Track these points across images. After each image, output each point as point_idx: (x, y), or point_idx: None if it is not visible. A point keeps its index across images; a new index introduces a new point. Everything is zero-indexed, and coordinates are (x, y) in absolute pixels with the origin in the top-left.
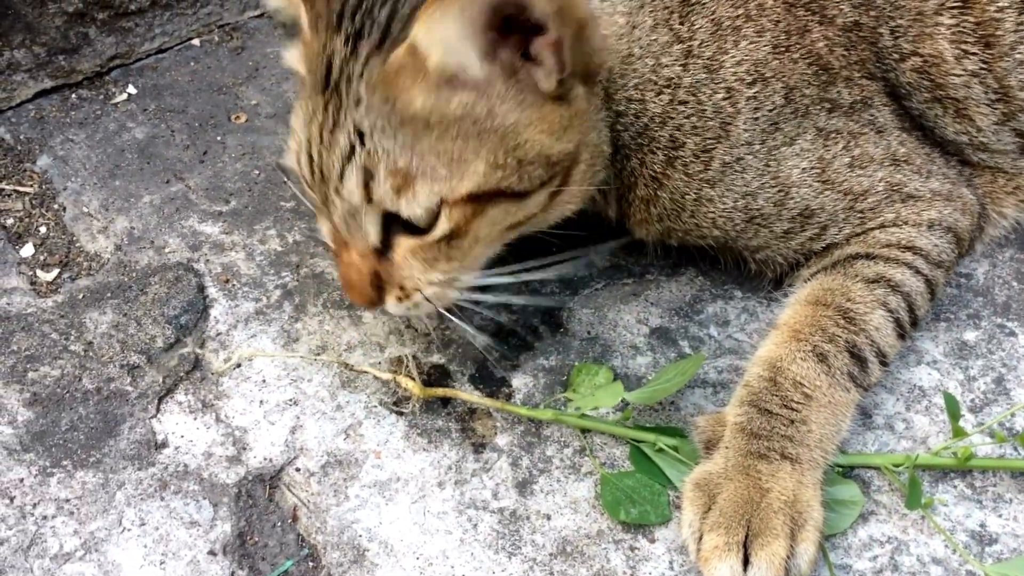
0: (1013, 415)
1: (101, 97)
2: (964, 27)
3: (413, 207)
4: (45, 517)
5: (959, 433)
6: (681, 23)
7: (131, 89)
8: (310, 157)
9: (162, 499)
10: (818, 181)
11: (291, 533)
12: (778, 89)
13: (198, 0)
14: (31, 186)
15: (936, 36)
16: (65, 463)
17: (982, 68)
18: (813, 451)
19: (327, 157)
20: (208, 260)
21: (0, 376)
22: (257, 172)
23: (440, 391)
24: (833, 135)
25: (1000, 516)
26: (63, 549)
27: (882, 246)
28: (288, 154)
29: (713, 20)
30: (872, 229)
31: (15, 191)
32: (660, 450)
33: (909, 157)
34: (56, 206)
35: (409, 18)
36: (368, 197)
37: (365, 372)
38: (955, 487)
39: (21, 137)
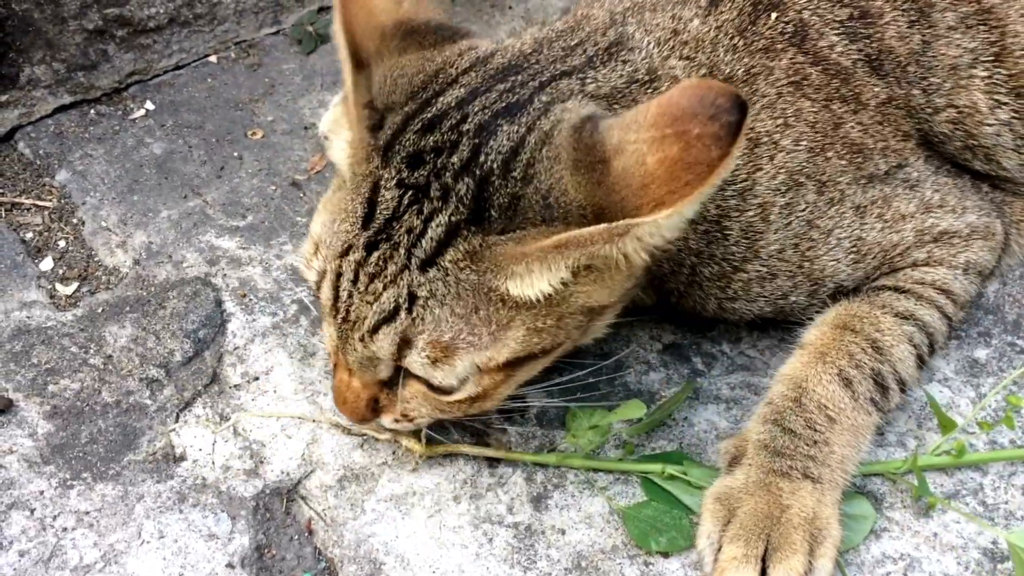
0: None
1: (119, 113)
2: (997, 79)
3: (448, 379)
4: (65, 529)
5: (949, 427)
6: None
7: (149, 105)
8: (335, 290)
9: (181, 512)
10: (852, 260)
11: (308, 546)
12: (811, 188)
13: (215, 18)
14: (50, 201)
15: (971, 88)
16: (85, 475)
17: (1014, 118)
18: (834, 471)
19: (360, 304)
20: (225, 275)
21: (21, 389)
22: (273, 188)
23: (441, 448)
24: (868, 207)
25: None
26: (83, 561)
27: (914, 282)
28: (302, 257)
29: (751, 139)
30: (903, 268)
31: (35, 205)
32: (670, 477)
33: (944, 201)
34: (75, 220)
35: (513, 207)
36: (397, 358)
37: (365, 434)
38: (967, 504)
39: (41, 152)
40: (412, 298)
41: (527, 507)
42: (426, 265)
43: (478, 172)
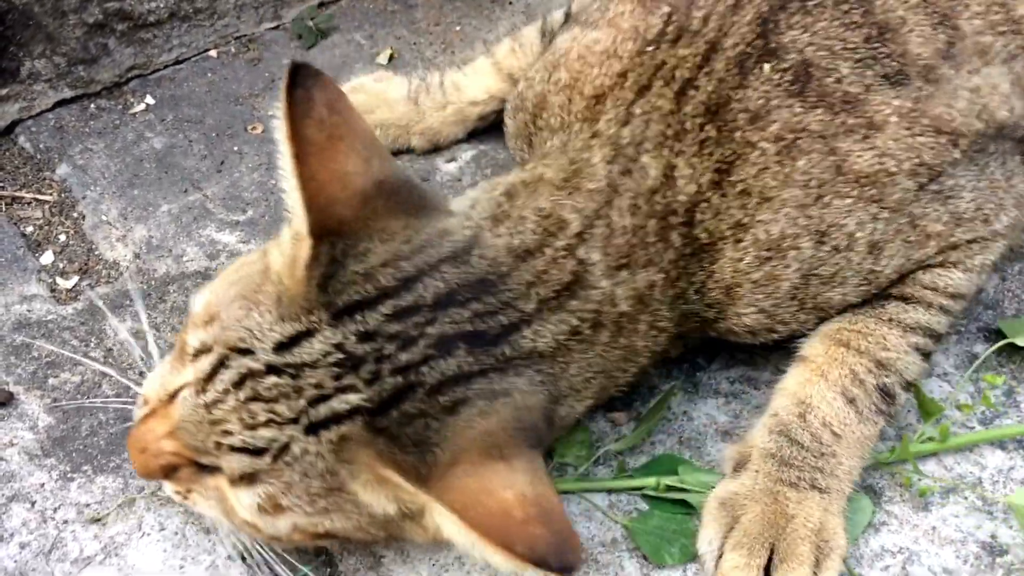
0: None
1: (119, 107)
2: None
3: (266, 528)
4: (66, 521)
5: (933, 412)
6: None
7: (149, 99)
8: (212, 374)
9: (181, 505)
10: (863, 291)
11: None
12: (805, 243)
13: (215, 12)
14: (51, 195)
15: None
16: (85, 468)
17: None
18: (842, 482)
19: (231, 412)
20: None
21: (21, 382)
22: (274, 182)
23: None
24: (890, 239)
25: (1011, 527)
26: (83, 553)
27: (923, 287)
28: (192, 314)
29: (697, 247)
30: (912, 272)
31: (35, 199)
32: (668, 488)
33: (979, 207)
34: (75, 214)
35: (409, 421)
36: (232, 479)
37: None
38: (966, 499)
39: (41, 146)
40: (284, 450)
41: None
42: (312, 429)
43: (412, 378)
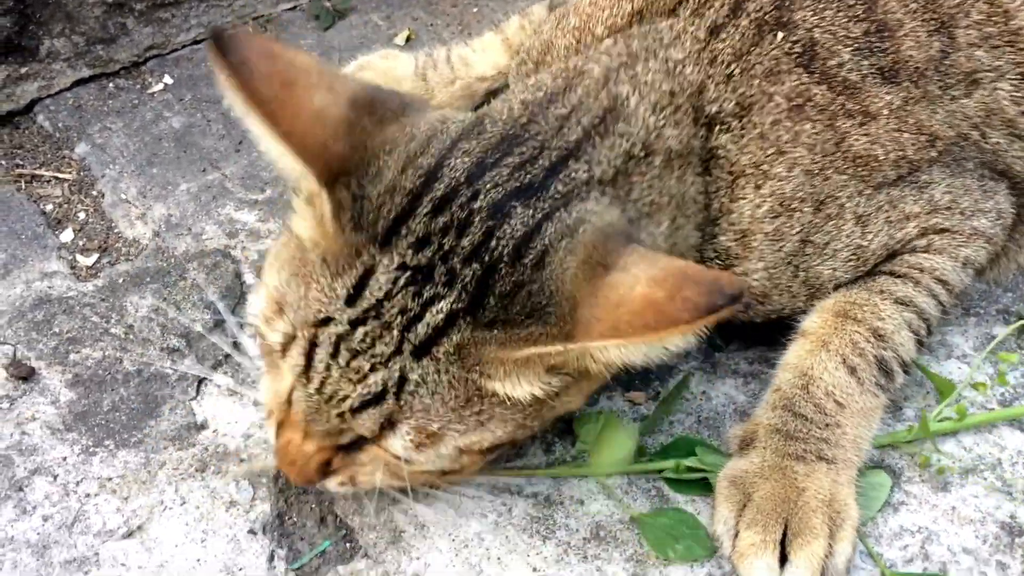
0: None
1: (138, 87)
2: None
3: (428, 462)
4: (88, 495)
5: (947, 391)
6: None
7: (167, 79)
8: (308, 359)
9: (202, 479)
10: (852, 266)
11: (328, 514)
12: (807, 209)
13: None
14: (70, 173)
15: (997, 95)
16: (107, 442)
17: None
18: (848, 451)
19: (340, 379)
20: (244, 247)
21: (43, 357)
22: None
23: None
24: (872, 214)
25: None
26: (106, 526)
27: (910, 267)
28: (258, 313)
29: (731, 172)
30: (901, 254)
31: (54, 177)
32: (688, 470)
33: (953, 203)
34: (95, 193)
35: (512, 295)
36: (378, 438)
37: None
38: (985, 479)
39: (60, 125)
40: (402, 382)
41: (545, 478)
42: (420, 352)
43: (487, 258)
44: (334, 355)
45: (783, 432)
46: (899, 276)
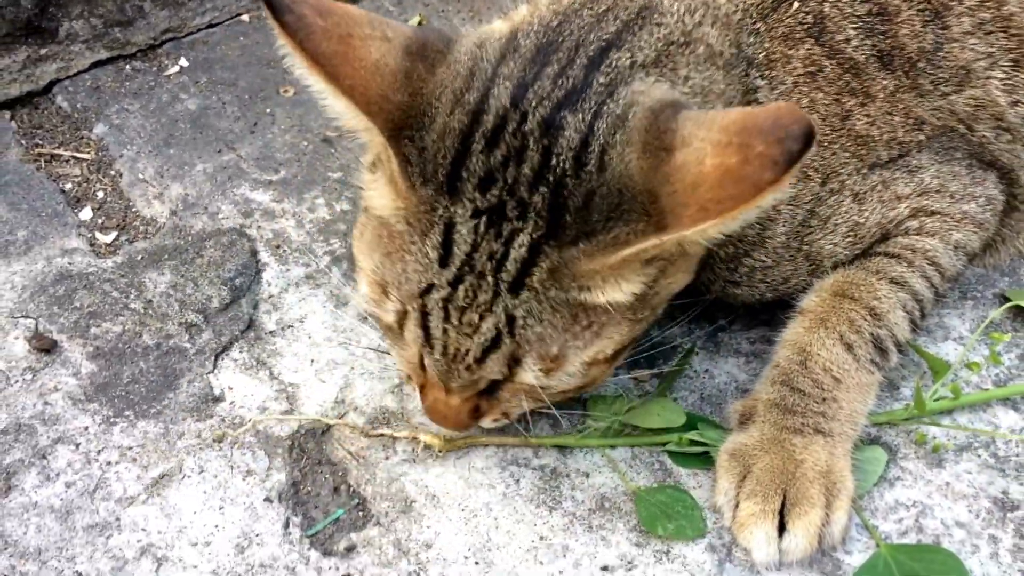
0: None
1: (154, 69)
2: (1017, 82)
3: (562, 382)
4: (109, 463)
5: (942, 370)
6: None
7: (183, 62)
8: (425, 328)
9: (220, 449)
10: (849, 242)
11: (342, 484)
12: (816, 180)
13: None
14: (88, 153)
15: (989, 86)
16: (127, 413)
17: None
18: (844, 425)
19: (458, 337)
20: (260, 226)
21: (64, 330)
22: (305, 143)
23: (461, 443)
24: (868, 192)
25: (1022, 484)
26: (127, 493)
27: (903, 247)
28: (366, 298)
29: None
30: (895, 236)
31: (73, 157)
32: (690, 443)
33: (943, 187)
34: (113, 172)
35: (587, 205)
36: (510, 377)
37: (382, 435)
38: (979, 456)
39: (78, 106)
40: (511, 321)
41: (552, 451)
42: (516, 287)
43: (551, 178)
44: (446, 318)
45: (782, 406)
46: (893, 256)
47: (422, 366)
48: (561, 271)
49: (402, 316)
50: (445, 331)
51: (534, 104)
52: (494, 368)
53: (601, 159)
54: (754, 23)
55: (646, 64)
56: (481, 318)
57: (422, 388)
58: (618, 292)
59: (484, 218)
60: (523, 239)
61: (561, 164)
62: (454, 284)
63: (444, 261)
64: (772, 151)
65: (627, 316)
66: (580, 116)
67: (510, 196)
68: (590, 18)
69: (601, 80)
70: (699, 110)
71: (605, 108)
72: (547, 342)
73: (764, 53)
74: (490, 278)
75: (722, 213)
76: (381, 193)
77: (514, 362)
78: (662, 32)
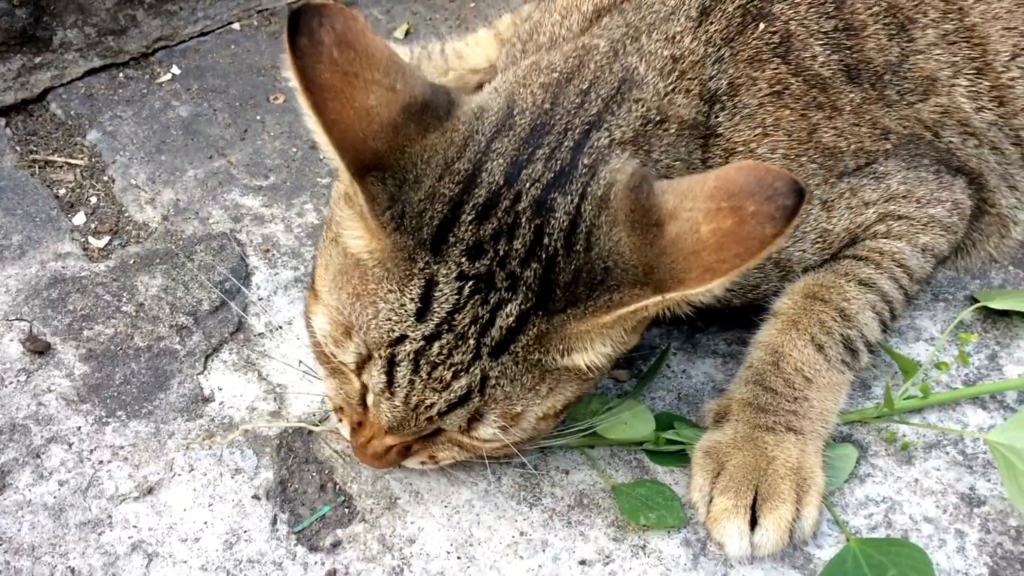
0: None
1: (147, 77)
2: (980, 89)
3: (512, 436)
4: (101, 462)
5: (911, 370)
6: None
7: (175, 70)
8: (389, 376)
9: (209, 448)
10: (818, 248)
11: (328, 481)
12: None
13: None
14: (82, 159)
15: (954, 94)
16: (119, 413)
17: (998, 120)
18: (815, 423)
19: (424, 391)
20: (249, 231)
21: (58, 333)
22: (295, 150)
23: None
24: (836, 200)
25: (989, 481)
26: (119, 491)
27: (871, 250)
28: (326, 335)
29: (726, 148)
30: (863, 239)
31: (67, 163)
32: (667, 442)
33: (909, 192)
34: (106, 178)
35: (576, 280)
36: (467, 430)
37: None
38: (947, 453)
39: (72, 113)
40: (484, 381)
41: (534, 451)
42: (497, 352)
43: (544, 256)
44: (415, 371)
45: (754, 405)
46: (861, 259)
47: (362, 404)
48: (549, 335)
49: (364, 360)
50: (412, 382)
51: (527, 185)
52: (455, 422)
53: (588, 239)
54: (719, 51)
55: (624, 142)
56: (454, 376)
57: (357, 425)
58: (593, 355)
59: (470, 283)
60: (511, 309)
61: (553, 243)
62: (429, 339)
63: (422, 315)
64: (766, 208)
65: (589, 375)
66: (569, 198)
67: (500, 268)
68: (576, 97)
69: (585, 162)
70: (668, 180)
71: (589, 190)
72: (512, 400)
73: (727, 80)
74: (472, 341)
75: (729, 271)
76: (353, 228)
77: (475, 418)
78: (640, 110)
